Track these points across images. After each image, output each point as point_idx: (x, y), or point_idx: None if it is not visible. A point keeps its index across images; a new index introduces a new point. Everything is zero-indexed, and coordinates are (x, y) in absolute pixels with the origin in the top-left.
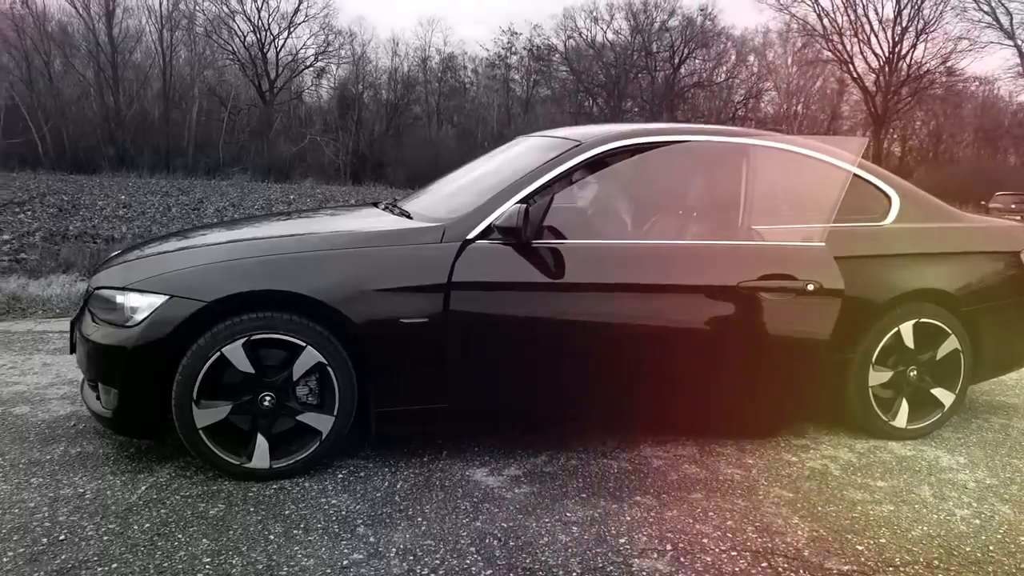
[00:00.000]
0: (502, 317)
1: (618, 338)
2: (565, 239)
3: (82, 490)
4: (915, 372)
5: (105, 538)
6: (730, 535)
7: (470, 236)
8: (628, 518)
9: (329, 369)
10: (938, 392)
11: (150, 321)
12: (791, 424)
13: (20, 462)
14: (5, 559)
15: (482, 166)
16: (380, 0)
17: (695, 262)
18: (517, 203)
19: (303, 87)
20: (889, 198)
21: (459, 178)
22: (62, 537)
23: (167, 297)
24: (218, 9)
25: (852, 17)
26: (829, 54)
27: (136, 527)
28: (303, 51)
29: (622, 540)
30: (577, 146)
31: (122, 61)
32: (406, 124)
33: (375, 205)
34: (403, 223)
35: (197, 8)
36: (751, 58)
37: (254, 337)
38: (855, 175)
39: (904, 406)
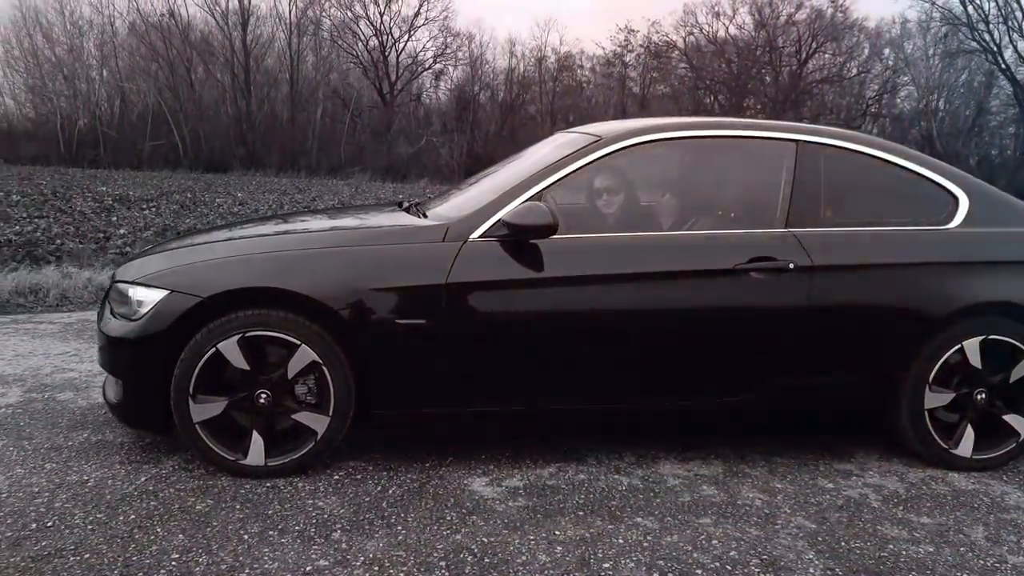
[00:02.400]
0: (503, 317)
1: (624, 334)
2: (576, 235)
3: (87, 478)
4: (983, 395)
5: (89, 527)
6: (729, 567)
7: (474, 235)
8: (621, 541)
9: (324, 368)
10: (1012, 419)
11: (151, 315)
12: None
13: (43, 447)
14: None
15: (511, 164)
16: (498, 1)
17: (708, 253)
18: (526, 200)
19: (422, 89)
20: (956, 198)
21: (487, 176)
22: (50, 524)
23: (168, 292)
24: (343, 15)
25: (1001, 3)
26: (975, 44)
27: (121, 518)
28: (422, 54)
29: (606, 565)
30: (596, 142)
31: (254, 66)
32: (520, 123)
33: (399, 205)
34: (410, 221)
35: (323, 14)
36: (886, 51)
37: (248, 334)
38: (915, 172)
39: (969, 433)
